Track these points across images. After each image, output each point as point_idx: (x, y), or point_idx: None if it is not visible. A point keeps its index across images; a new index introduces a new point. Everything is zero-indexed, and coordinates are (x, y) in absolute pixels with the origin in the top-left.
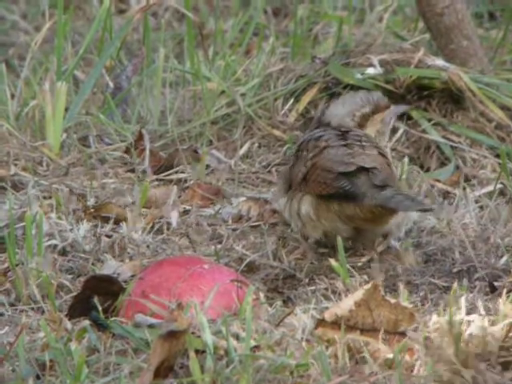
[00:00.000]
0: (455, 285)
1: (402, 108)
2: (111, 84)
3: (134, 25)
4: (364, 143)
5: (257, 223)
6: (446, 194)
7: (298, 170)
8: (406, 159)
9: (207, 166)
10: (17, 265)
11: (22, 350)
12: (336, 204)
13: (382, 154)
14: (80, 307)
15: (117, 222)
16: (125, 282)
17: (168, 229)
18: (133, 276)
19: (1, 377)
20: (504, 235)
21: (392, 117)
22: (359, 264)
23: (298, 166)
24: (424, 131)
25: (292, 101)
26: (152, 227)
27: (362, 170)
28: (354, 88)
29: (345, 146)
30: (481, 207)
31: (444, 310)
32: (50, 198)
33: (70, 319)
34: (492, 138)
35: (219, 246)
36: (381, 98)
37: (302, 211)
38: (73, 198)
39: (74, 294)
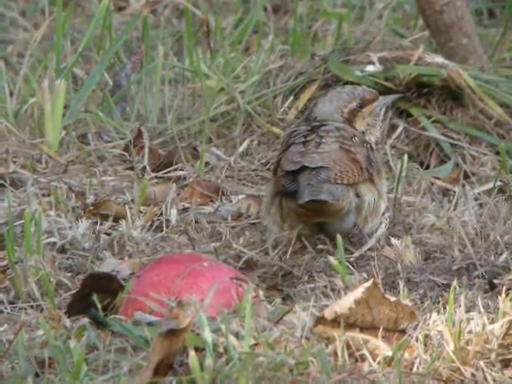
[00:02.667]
0: (455, 282)
1: (391, 98)
2: (110, 82)
3: (137, 22)
4: (324, 139)
5: (256, 221)
6: (445, 192)
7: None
8: (406, 156)
9: (206, 164)
10: (16, 262)
11: (21, 348)
12: (286, 201)
13: (346, 149)
14: (79, 305)
15: (116, 219)
16: (124, 279)
17: (167, 226)
18: (132, 274)
19: (0, 374)
20: (503, 233)
21: (382, 107)
22: (351, 259)
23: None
24: (423, 128)
25: (291, 98)
26: (151, 225)
27: (307, 168)
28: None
29: (303, 143)
30: (480, 205)
31: (443, 308)
32: (49, 195)
33: (69, 317)
34: (492, 135)
35: (218, 244)
36: (367, 91)
37: (272, 207)
38: (72, 195)
39: (73, 291)
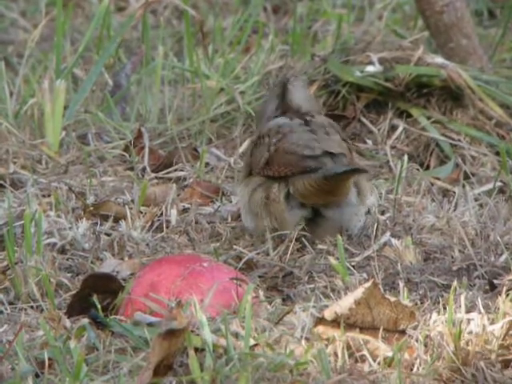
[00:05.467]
0: (455, 283)
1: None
2: (110, 82)
3: (133, 23)
4: (328, 129)
5: None
6: (445, 192)
7: (261, 156)
8: (406, 157)
9: (206, 164)
10: (16, 263)
11: (21, 348)
12: (291, 184)
13: (344, 140)
14: (79, 305)
15: (116, 220)
16: (124, 280)
17: (167, 227)
18: (132, 274)
19: (0, 375)
20: (503, 233)
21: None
22: (353, 263)
23: (260, 151)
24: (423, 129)
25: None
26: (151, 225)
27: (328, 154)
28: (353, 86)
29: (309, 131)
30: (480, 205)
31: (444, 308)
32: (49, 196)
33: (69, 317)
34: (491, 135)
35: (218, 244)
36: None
37: (252, 199)
38: (72, 196)
39: (73, 292)
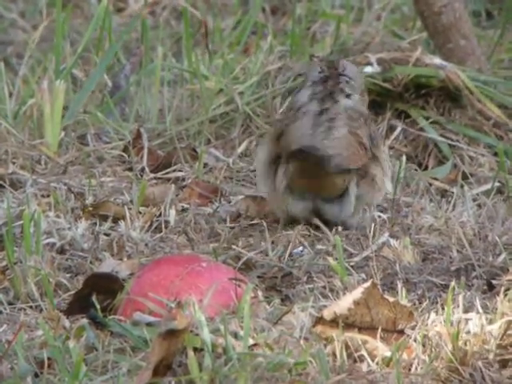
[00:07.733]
0: (453, 283)
1: None
2: (109, 83)
3: (136, 24)
4: (335, 123)
5: (255, 221)
6: (443, 193)
7: (281, 126)
8: (404, 157)
9: (205, 165)
10: (15, 263)
11: (20, 348)
12: (287, 166)
13: (353, 132)
14: (79, 305)
15: (115, 220)
16: (123, 280)
17: (166, 227)
18: (131, 274)
19: None
20: (502, 233)
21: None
22: (351, 264)
23: (282, 121)
24: (422, 129)
25: (290, 99)
26: (150, 225)
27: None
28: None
29: (314, 124)
30: (478, 205)
31: (442, 308)
32: (48, 196)
33: (68, 317)
34: (490, 136)
35: (217, 245)
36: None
37: (266, 170)
38: (71, 196)
39: (73, 292)
